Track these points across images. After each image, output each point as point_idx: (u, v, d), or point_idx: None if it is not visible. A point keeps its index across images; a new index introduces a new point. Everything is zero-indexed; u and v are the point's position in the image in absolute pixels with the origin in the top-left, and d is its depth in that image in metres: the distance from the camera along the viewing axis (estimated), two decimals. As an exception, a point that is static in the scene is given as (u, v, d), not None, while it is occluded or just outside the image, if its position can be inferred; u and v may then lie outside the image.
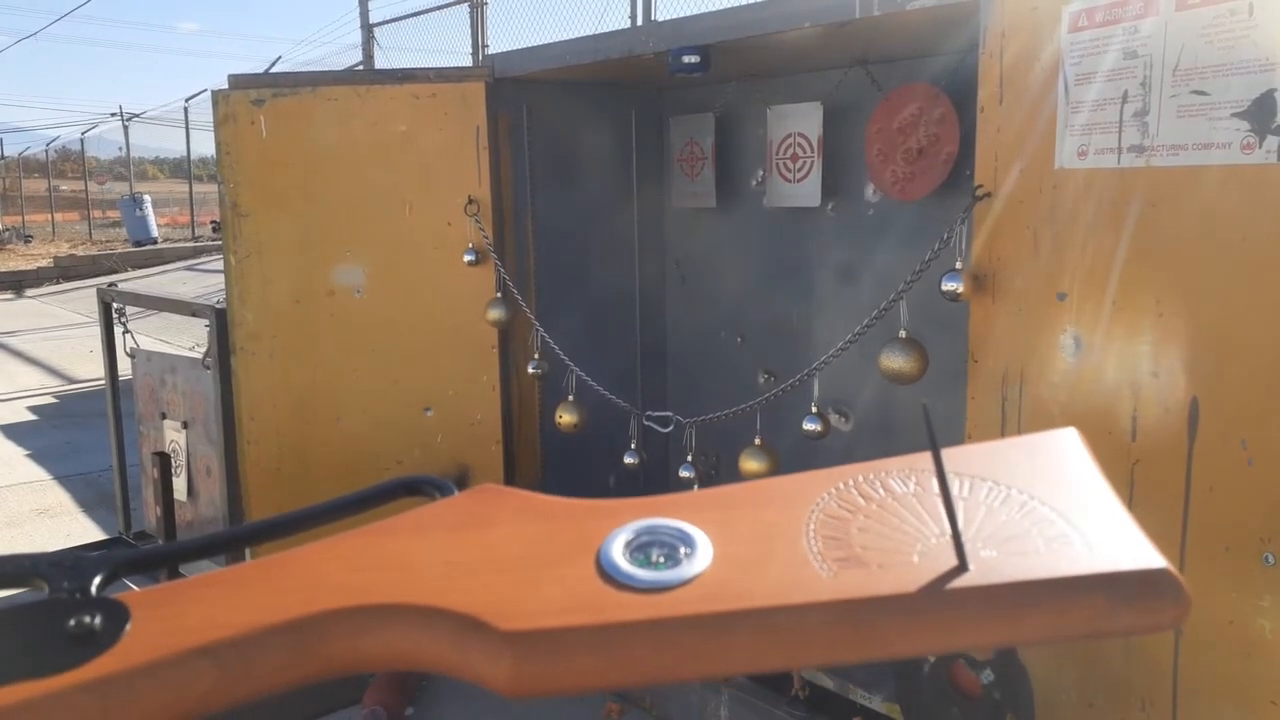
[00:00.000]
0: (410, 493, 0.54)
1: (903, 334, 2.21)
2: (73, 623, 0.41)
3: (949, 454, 0.46)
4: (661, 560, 0.44)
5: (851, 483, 0.48)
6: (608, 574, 0.43)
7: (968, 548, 0.42)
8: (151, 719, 0.39)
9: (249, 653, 0.41)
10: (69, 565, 0.45)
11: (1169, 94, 1.72)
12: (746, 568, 0.43)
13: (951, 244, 2.09)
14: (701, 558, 0.44)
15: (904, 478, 0.48)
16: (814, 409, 2.44)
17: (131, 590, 0.44)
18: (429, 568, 0.44)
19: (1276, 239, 1.61)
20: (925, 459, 0.47)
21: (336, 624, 0.42)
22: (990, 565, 0.41)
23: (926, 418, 0.46)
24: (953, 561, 0.41)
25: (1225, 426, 1.70)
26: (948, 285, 2.05)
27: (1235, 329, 1.68)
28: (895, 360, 2.20)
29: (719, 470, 3.50)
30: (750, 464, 2.53)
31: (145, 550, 0.53)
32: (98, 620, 0.41)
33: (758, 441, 2.53)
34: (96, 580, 0.45)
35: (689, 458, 2.72)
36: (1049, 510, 0.44)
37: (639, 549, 0.45)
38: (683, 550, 0.44)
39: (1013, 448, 0.50)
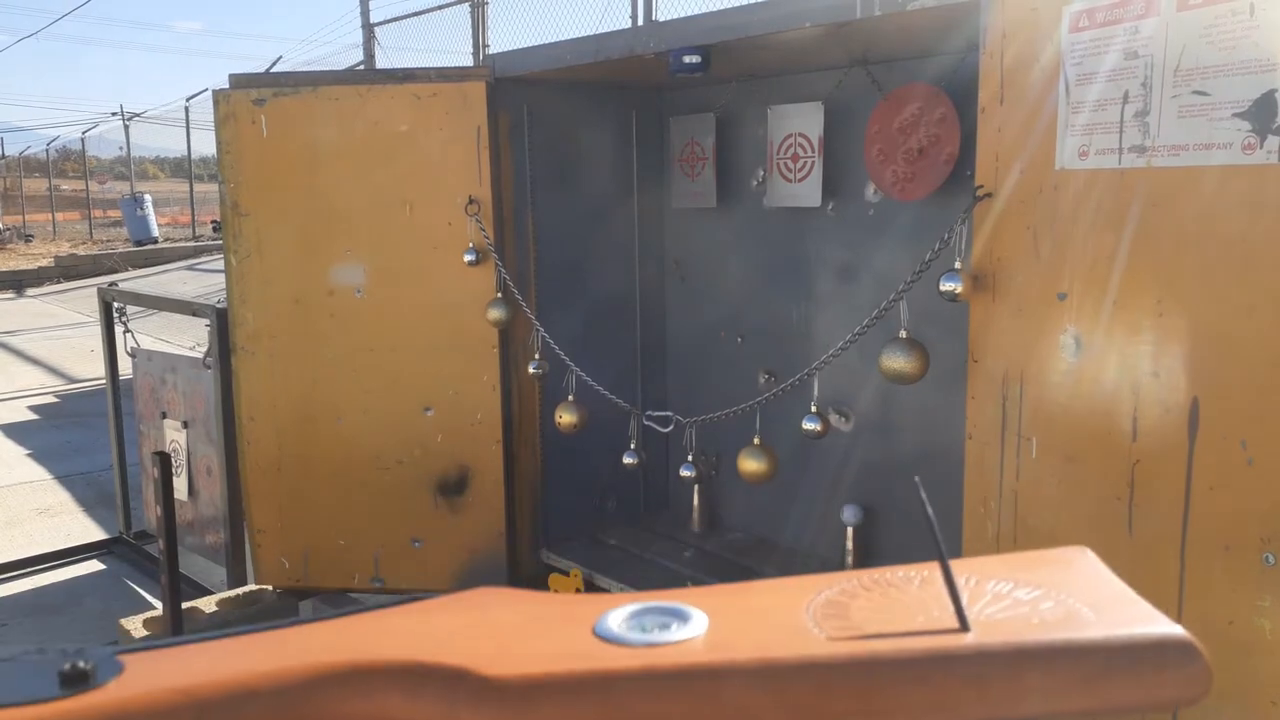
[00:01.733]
0: None
1: (903, 334, 2.21)
2: (67, 666, 0.42)
3: (957, 565, 0.46)
4: (657, 629, 0.44)
5: (855, 581, 0.48)
6: (601, 636, 0.44)
7: (970, 616, 0.41)
8: None
9: (235, 704, 0.41)
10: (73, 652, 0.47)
11: (1170, 94, 1.72)
12: (742, 632, 0.43)
13: (952, 244, 2.09)
14: (696, 626, 0.44)
15: (906, 576, 0.49)
16: (814, 409, 2.44)
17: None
18: (420, 637, 0.45)
19: (1277, 239, 1.61)
20: (928, 566, 0.48)
21: (323, 682, 0.42)
22: (992, 627, 0.40)
23: (921, 495, 0.46)
24: (954, 626, 0.41)
25: (1225, 426, 1.70)
26: (945, 285, 2.05)
27: (1235, 329, 1.68)
28: (896, 360, 2.20)
29: (719, 470, 3.50)
30: (749, 464, 2.53)
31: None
32: (91, 665, 0.43)
33: (757, 441, 2.53)
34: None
35: (689, 457, 2.72)
36: (1057, 592, 0.44)
37: (635, 617, 0.45)
38: (676, 623, 0.45)
39: (1021, 559, 0.50)
